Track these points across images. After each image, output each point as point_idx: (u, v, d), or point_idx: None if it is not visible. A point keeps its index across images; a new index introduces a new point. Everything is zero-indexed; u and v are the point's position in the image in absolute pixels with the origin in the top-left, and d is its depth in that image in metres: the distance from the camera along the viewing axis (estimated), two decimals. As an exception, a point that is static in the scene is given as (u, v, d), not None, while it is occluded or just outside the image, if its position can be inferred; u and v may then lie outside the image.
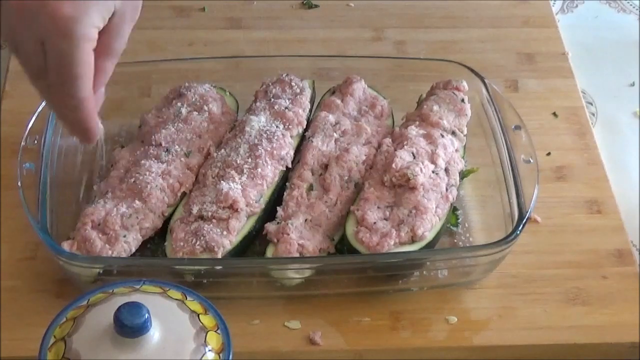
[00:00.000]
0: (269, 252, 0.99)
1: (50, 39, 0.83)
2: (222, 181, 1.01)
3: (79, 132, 0.88)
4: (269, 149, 1.04)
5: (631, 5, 1.41)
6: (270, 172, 1.03)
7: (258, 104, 1.11)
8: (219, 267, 0.96)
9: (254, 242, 1.02)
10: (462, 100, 1.11)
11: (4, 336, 0.96)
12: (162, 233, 1.01)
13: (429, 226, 0.99)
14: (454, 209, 1.05)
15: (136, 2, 0.90)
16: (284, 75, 1.13)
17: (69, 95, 0.85)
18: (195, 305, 0.81)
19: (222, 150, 1.06)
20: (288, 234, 0.98)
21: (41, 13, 0.82)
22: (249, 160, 1.03)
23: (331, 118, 1.09)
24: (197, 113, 1.09)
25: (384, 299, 1.00)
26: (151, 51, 1.27)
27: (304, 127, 1.09)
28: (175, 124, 1.07)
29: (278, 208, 1.02)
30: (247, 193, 1.01)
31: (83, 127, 0.87)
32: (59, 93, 0.85)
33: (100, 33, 0.85)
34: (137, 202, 1.00)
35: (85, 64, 0.84)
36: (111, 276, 0.95)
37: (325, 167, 1.05)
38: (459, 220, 1.07)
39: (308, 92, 1.12)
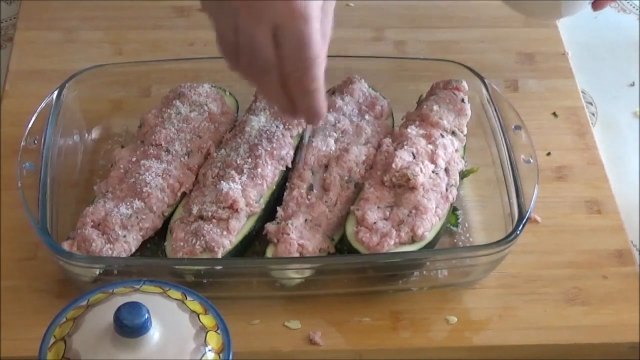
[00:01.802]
0: (269, 252, 0.99)
1: (287, 23, 0.83)
2: (222, 181, 1.01)
3: (311, 115, 0.90)
4: (269, 149, 1.04)
5: (631, 5, 1.41)
6: (270, 172, 1.03)
7: (258, 103, 1.11)
8: (219, 267, 0.97)
9: (254, 242, 1.02)
10: (462, 100, 1.11)
11: (4, 336, 0.96)
12: (162, 233, 1.01)
13: (429, 226, 0.99)
14: (454, 209, 1.05)
15: None
16: (284, 75, 1.13)
17: (310, 77, 0.86)
18: (195, 305, 0.81)
19: (222, 150, 1.06)
20: (288, 234, 0.98)
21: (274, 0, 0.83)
22: (249, 160, 1.03)
23: (331, 118, 1.09)
24: (197, 113, 1.09)
25: (384, 299, 1.00)
26: (151, 51, 1.27)
27: (304, 127, 1.09)
28: (175, 124, 1.07)
29: (278, 208, 1.02)
30: (247, 193, 1.01)
31: (317, 108, 0.89)
32: (298, 79, 0.87)
33: None
34: (137, 202, 1.00)
35: (320, 43, 0.86)
36: (111, 276, 0.95)
37: (325, 167, 1.05)
38: (459, 220, 1.07)
39: (308, 92, 1.12)
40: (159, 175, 1.02)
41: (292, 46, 0.85)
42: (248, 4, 0.84)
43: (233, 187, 1.00)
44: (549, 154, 1.15)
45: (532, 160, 1.03)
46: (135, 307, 0.76)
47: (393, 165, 1.02)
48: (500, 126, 1.07)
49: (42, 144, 1.03)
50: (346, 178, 1.04)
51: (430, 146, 1.05)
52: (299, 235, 0.98)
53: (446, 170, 1.04)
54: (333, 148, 1.06)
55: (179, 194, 1.03)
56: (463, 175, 1.07)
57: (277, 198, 1.03)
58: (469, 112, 1.11)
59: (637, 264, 1.05)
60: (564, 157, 1.15)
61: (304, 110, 0.91)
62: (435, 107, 1.09)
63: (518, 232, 0.97)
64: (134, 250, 0.98)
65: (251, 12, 0.85)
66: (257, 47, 0.86)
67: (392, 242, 0.97)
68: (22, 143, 1.03)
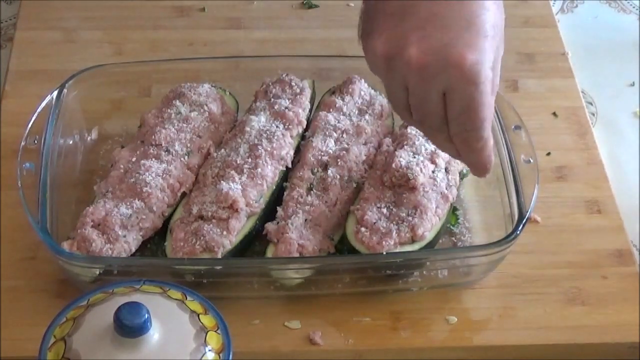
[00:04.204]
0: (269, 252, 0.99)
1: (458, 87, 0.84)
2: (222, 181, 1.01)
3: (479, 168, 0.92)
4: (269, 149, 1.04)
5: (631, 5, 1.41)
6: (270, 172, 1.03)
7: (258, 104, 1.11)
8: (219, 267, 0.97)
9: (254, 242, 1.02)
10: (462, 100, 1.11)
11: (4, 336, 0.96)
12: (162, 233, 1.01)
13: (429, 226, 0.99)
14: (454, 209, 1.05)
15: (502, 32, 0.89)
16: (284, 75, 1.13)
17: (476, 139, 0.87)
18: (195, 305, 0.81)
19: (222, 150, 1.06)
20: (288, 234, 0.98)
21: (448, 64, 0.83)
22: (249, 160, 1.03)
23: (331, 118, 1.09)
24: (197, 113, 1.09)
25: (384, 299, 1.00)
26: (151, 51, 1.27)
27: (304, 127, 1.09)
28: (175, 124, 1.07)
29: (278, 208, 1.02)
30: (247, 193, 1.01)
31: (483, 164, 0.91)
32: (465, 139, 0.88)
33: None
34: (137, 202, 1.00)
35: (489, 106, 0.86)
36: (111, 276, 0.95)
37: (325, 167, 1.05)
38: (459, 220, 1.07)
39: (308, 92, 1.12)
40: (159, 175, 1.02)
41: (460, 110, 0.86)
42: (419, 66, 0.84)
43: (233, 187, 1.00)
44: (549, 154, 1.15)
45: (532, 160, 1.03)
46: (135, 307, 0.76)
47: (393, 165, 1.02)
48: (500, 126, 1.07)
49: (42, 144, 1.03)
50: (346, 178, 1.04)
51: (430, 146, 1.05)
52: (299, 235, 0.98)
53: (446, 170, 1.04)
54: (333, 148, 1.06)
55: (179, 194, 1.03)
56: (463, 175, 1.07)
57: (277, 198, 1.03)
58: (469, 112, 1.11)
59: (637, 264, 1.05)
60: (564, 157, 1.15)
61: (470, 164, 0.93)
62: (435, 107, 1.09)
63: (518, 232, 0.97)
64: (134, 250, 0.98)
65: (422, 75, 0.85)
66: (427, 109, 0.87)
67: (392, 242, 0.97)
68: (22, 143, 1.03)
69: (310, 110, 1.12)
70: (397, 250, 0.97)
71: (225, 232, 0.98)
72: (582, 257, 1.05)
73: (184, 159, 1.05)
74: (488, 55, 0.85)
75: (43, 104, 1.07)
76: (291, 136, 1.07)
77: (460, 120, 0.87)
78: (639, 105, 1.26)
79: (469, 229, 1.06)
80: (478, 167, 0.93)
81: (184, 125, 1.08)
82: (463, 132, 0.88)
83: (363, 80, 1.14)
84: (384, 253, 0.97)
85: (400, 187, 1.02)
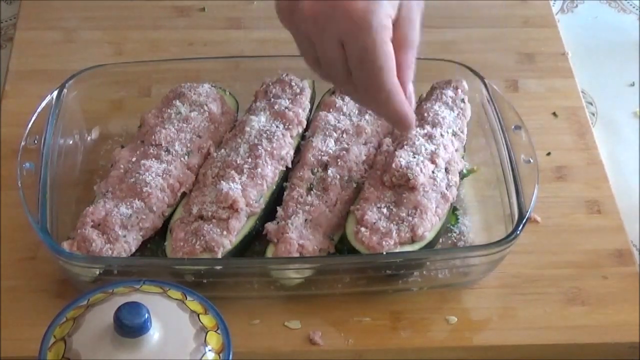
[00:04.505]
0: (269, 252, 0.99)
1: (349, 35, 0.83)
2: (222, 181, 1.01)
3: (394, 122, 0.91)
4: (269, 149, 1.04)
5: (631, 5, 1.41)
6: (270, 172, 1.03)
7: (258, 104, 1.11)
8: (219, 267, 0.97)
9: (254, 242, 1.02)
10: (462, 100, 1.11)
11: (4, 336, 0.96)
12: (162, 233, 1.01)
13: (429, 226, 0.99)
14: (454, 209, 1.05)
15: None
16: (284, 75, 1.13)
17: (377, 89, 0.86)
18: (195, 305, 0.81)
19: (222, 150, 1.06)
20: (288, 234, 0.98)
21: (336, 11, 0.83)
22: (249, 160, 1.03)
23: (331, 118, 1.09)
24: (197, 113, 1.09)
25: (384, 299, 1.00)
26: (151, 51, 1.27)
27: (304, 127, 1.09)
28: (175, 124, 1.07)
29: (278, 208, 1.02)
30: (247, 193, 1.01)
31: (396, 116, 0.89)
32: (367, 90, 0.86)
33: (394, 26, 0.85)
34: (137, 202, 1.00)
35: (385, 53, 0.84)
36: (111, 276, 0.95)
37: (325, 167, 1.05)
38: (459, 220, 1.07)
39: (308, 92, 1.12)
40: (159, 175, 1.02)
41: (357, 59, 0.85)
42: (311, 15, 0.84)
43: (233, 187, 1.00)
44: (549, 154, 1.15)
45: (532, 160, 1.03)
46: (135, 307, 0.76)
47: (393, 165, 1.02)
48: (500, 126, 1.07)
49: (42, 144, 1.03)
50: (346, 178, 1.04)
51: (430, 146, 1.05)
52: (299, 235, 0.98)
53: (446, 170, 1.04)
54: (333, 148, 1.06)
55: (179, 194, 1.03)
56: (463, 175, 1.07)
57: (277, 198, 1.03)
58: (469, 112, 1.11)
59: (637, 264, 1.05)
60: (564, 157, 1.15)
61: (385, 117, 0.91)
62: (436, 107, 1.09)
63: (518, 232, 0.97)
64: (134, 250, 0.98)
65: (316, 24, 0.85)
66: (328, 58, 0.87)
67: (392, 242, 0.97)
68: (22, 143, 1.03)
69: (310, 110, 1.12)
70: (397, 250, 0.97)
71: (225, 232, 0.98)
72: (582, 257, 1.05)
73: (184, 159, 1.05)
74: (382, 4, 0.84)
75: (43, 104, 1.07)
76: (291, 136, 1.07)
77: (358, 70, 0.86)
78: (639, 105, 1.26)
79: (469, 229, 1.06)
80: (392, 121, 0.91)
81: (184, 125, 1.08)
82: (364, 82, 0.87)
83: (363, 80, 1.14)
84: (384, 253, 0.97)
85: (400, 187, 1.02)
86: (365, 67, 0.85)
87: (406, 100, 0.89)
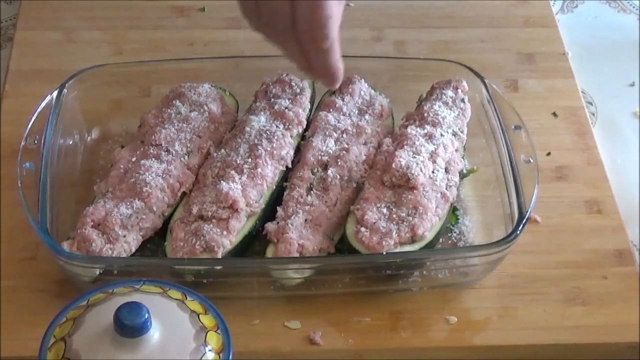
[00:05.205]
0: (269, 252, 0.99)
1: None
2: (222, 181, 1.01)
3: (327, 75, 0.93)
4: (269, 149, 1.04)
5: (631, 5, 1.41)
6: (270, 172, 1.03)
7: (258, 103, 1.11)
8: (219, 267, 0.97)
9: (254, 242, 1.02)
10: (462, 100, 1.11)
11: (4, 336, 0.96)
12: (162, 233, 1.01)
13: (429, 226, 0.99)
14: (454, 209, 1.05)
15: None
16: (284, 75, 1.13)
17: (322, 37, 0.89)
18: (195, 305, 0.81)
19: (222, 150, 1.06)
20: (288, 234, 0.98)
21: None
22: (249, 160, 1.03)
23: (331, 118, 1.09)
24: (197, 113, 1.09)
25: (384, 299, 1.00)
26: (151, 51, 1.27)
27: (304, 127, 1.09)
28: (175, 124, 1.07)
29: (278, 208, 1.02)
30: (247, 193, 1.01)
31: (332, 69, 0.92)
32: (311, 39, 0.89)
33: None
34: (137, 202, 1.00)
35: (333, 5, 0.87)
36: (111, 276, 0.95)
37: (325, 167, 1.05)
38: (459, 220, 1.07)
39: (308, 92, 1.12)
40: (159, 175, 1.02)
41: (305, 5, 0.87)
42: None
43: (233, 187, 1.00)
44: (549, 154, 1.15)
45: (532, 160, 1.03)
46: (135, 307, 0.76)
47: (393, 165, 1.02)
48: (500, 126, 1.07)
49: (42, 144, 1.03)
50: (346, 178, 1.04)
51: (430, 146, 1.05)
52: (299, 235, 0.98)
53: (446, 170, 1.04)
54: (333, 148, 1.06)
55: (179, 194, 1.03)
56: (463, 175, 1.07)
57: (277, 198, 1.03)
58: (469, 112, 1.11)
59: (637, 264, 1.05)
60: (564, 157, 1.15)
61: (320, 70, 0.93)
62: (436, 107, 1.10)
63: (518, 232, 0.97)
64: (134, 250, 0.98)
65: None
66: (274, 7, 0.88)
67: (392, 242, 0.97)
68: (22, 143, 1.03)
69: (311, 110, 1.12)
70: (397, 250, 0.97)
71: (225, 232, 0.98)
72: (582, 257, 1.05)
73: (184, 159, 1.05)
74: None
75: (43, 104, 1.07)
76: (291, 136, 1.07)
77: (305, 17, 0.88)
78: (639, 105, 1.26)
79: (469, 229, 1.06)
80: (326, 72, 0.93)
81: (184, 125, 1.08)
82: (309, 31, 0.89)
83: (363, 80, 1.14)
84: (384, 253, 0.97)
85: (400, 187, 1.02)
86: (314, 17, 0.87)
87: (340, 57, 0.92)
